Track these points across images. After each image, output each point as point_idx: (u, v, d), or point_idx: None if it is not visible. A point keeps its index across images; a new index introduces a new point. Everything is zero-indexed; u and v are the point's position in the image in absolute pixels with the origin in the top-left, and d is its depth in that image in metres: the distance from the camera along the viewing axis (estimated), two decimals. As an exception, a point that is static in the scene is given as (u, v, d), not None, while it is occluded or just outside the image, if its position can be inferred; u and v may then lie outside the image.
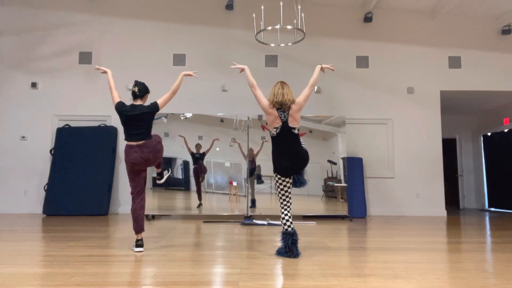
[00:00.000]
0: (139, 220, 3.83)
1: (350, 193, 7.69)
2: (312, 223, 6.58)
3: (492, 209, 10.47)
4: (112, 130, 8.13)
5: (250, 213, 7.14)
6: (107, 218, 7.18)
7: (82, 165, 7.84)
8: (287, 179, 3.72)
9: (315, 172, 7.33)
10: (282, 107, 3.73)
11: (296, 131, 3.75)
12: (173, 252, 3.82)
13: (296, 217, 7.39)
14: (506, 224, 6.86)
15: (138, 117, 3.80)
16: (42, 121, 8.30)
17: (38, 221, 6.54)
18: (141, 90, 3.92)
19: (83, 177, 7.76)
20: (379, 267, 3.21)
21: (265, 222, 6.41)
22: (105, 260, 3.42)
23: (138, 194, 3.90)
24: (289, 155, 3.67)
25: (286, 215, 3.69)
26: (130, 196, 8.21)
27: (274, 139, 3.76)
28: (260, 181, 7.31)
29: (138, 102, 3.93)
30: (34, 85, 8.35)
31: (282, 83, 3.89)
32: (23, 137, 8.27)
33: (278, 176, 3.72)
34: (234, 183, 7.39)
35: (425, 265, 3.30)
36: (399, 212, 8.32)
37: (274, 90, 3.86)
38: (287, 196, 3.73)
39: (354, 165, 7.98)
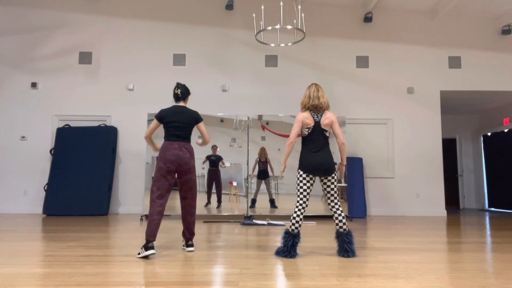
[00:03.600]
0: (153, 225, 3.60)
1: (350, 193, 7.70)
2: (312, 223, 6.58)
3: (492, 209, 10.47)
4: (112, 130, 8.13)
5: (250, 213, 7.15)
6: (107, 218, 7.18)
7: (82, 165, 7.84)
8: (310, 179, 3.65)
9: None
10: (317, 109, 3.71)
11: (327, 134, 3.73)
12: (173, 252, 3.82)
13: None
14: (506, 224, 6.86)
15: (183, 119, 3.85)
16: (42, 121, 8.30)
17: (38, 221, 6.54)
18: (183, 93, 3.99)
19: (83, 177, 7.77)
20: (379, 267, 3.21)
21: (265, 222, 6.41)
22: (105, 260, 3.42)
23: (158, 198, 3.67)
24: (319, 154, 3.64)
25: (298, 215, 3.61)
26: (129, 195, 8.16)
27: (305, 138, 3.74)
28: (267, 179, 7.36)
29: (181, 104, 3.99)
30: (34, 85, 8.36)
31: (317, 86, 3.81)
32: (23, 137, 8.27)
33: (303, 174, 3.64)
34: (234, 183, 7.39)
35: (425, 265, 3.30)
36: (399, 212, 8.32)
37: (310, 93, 3.76)
38: (305, 197, 3.64)
39: (354, 165, 7.98)
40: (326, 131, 3.73)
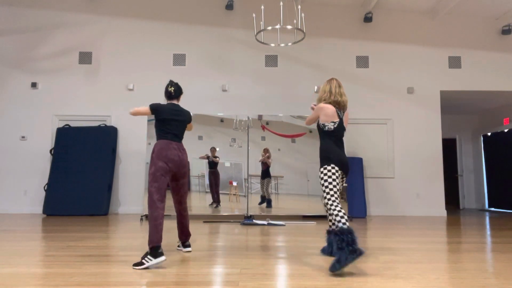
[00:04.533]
0: (160, 230, 3.32)
1: (350, 193, 7.69)
2: (312, 223, 6.58)
3: (492, 209, 10.47)
4: (112, 130, 8.13)
5: (250, 213, 7.15)
6: (107, 218, 7.18)
7: (82, 165, 7.84)
8: (339, 174, 3.36)
9: (315, 172, 7.33)
10: (339, 106, 3.56)
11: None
12: (173, 252, 3.82)
13: (296, 217, 7.39)
14: (506, 224, 6.86)
15: (181, 118, 3.80)
16: (42, 121, 8.30)
17: (38, 221, 6.54)
18: (176, 91, 3.89)
19: (83, 177, 7.77)
20: (379, 267, 3.21)
21: (265, 222, 6.41)
22: (105, 260, 3.42)
23: (160, 200, 3.46)
24: (343, 152, 3.50)
25: (340, 211, 3.18)
26: (129, 196, 8.13)
27: (330, 133, 3.47)
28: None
29: (174, 102, 3.91)
30: (34, 85, 8.36)
31: (338, 81, 3.66)
32: (23, 137, 8.27)
33: (334, 169, 3.33)
34: (234, 183, 7.39)
35: (425, 265, 3.30)
36: (399, 212, 8.32)
37: (331, 88, 3.58)
38: (337, 193, 3.32)
39: (354, 165, 7.98)
40: (345, 129, 3.62)
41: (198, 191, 7.35)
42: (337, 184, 3.33)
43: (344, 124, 3.61)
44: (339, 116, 3.53)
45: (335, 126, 3.48)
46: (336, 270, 2.93)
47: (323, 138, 3.54)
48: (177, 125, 3.75)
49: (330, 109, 3.50)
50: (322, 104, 3.55)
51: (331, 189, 3.30)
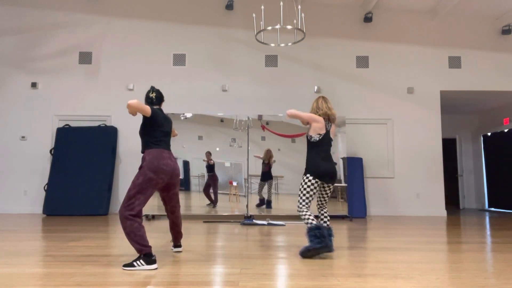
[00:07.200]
0: (145, 237, 3.12)
1: (350, 193, 7.69)
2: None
3: (492, 209, 10.47)
4: (112, 130, 8.13)
5: (250, 213, 7.16)
6: (107, 218, 7.18)
7: (82, 165, 7.84)
8: (317, 185, 3.74)
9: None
10: (329, 119, 3.88)
11: (332, 143, 3.92)
12: (173, 252, 3.82)
13: (296, 217, 7.40)
14: (506, 224, 6.86)
15: (170, 125, 3.69)
16: (42, 121, 8.30)
17: (38, 221, 6.54)
18: (157, 97, 3.68)
19: (83, 177, 7.77)
20: (379, 267, 3.21)
21: (265, 222, 6.41)
22: (105, 260, 3.42)
23: (139, 216, 3.16)
24: (329, 162, 3.80)
25: (306, 214, 3.68)
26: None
27: (314, 144, 3.82)
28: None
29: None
30: (34, 85, 8.36)
31: (324, 98, 3.97)
32: (23, 137, 8.27)
33: (314, 179, 3.71)
34: (234, 183, 7.39)
35: (425, 265, 3.30)
36: (399, 212, 8.32)
37: (318, 104, 3.90)
38: (309, 200, 3.75)
39: (354, 165, 7.98)
40: (332, 140, 3.91)
41: (198, 191, 7.35)
42: (313, 193, 3.72)
43: (331, 135, 3.89)
44: (326, 129, 3.82)
45: (320, 137, 3.79)
46: (305, 256, 3.55)
47: (308, 149, 3.85)
48: (168, 133, 3.61)
49: (321, 121, 3.81)
50: (315, 115, 3.83)
51: (302, 196, 3.74)
